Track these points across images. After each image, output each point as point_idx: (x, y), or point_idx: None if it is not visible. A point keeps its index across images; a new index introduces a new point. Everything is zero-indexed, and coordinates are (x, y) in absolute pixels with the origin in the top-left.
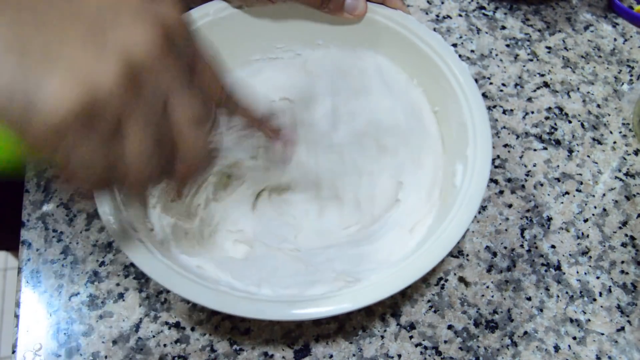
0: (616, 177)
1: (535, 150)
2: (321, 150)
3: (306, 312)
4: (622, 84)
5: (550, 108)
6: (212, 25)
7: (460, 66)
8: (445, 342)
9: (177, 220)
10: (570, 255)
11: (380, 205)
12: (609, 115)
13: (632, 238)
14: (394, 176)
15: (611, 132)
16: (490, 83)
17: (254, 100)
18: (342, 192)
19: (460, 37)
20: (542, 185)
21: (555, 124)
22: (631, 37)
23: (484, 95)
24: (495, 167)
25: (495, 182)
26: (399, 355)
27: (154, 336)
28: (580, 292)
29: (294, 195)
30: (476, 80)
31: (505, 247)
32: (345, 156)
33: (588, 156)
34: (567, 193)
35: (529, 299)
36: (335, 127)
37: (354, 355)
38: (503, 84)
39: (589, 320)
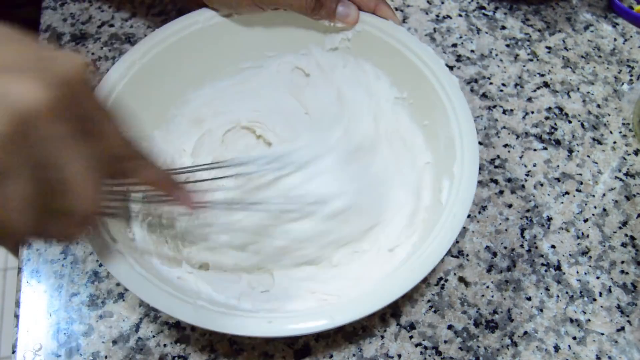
0: (616, 177)
1: (535, 150)
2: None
3: (285, 328)
4: (622, 84)
5: (550, 108)
6: (202, 33)
7: (450, 80)
8: (445, 342)
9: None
10: (570, 255)
11: (360, 226)
12: (609, 115)
13: (632, 238)
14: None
15: (611, 132)
16: (490, 83)
17: (159, 159)
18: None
19: (460, 37)
20: (542, 185)
21: (555, 124)
22: (631, 37)
23: (484, 95)
24: (495, 167)
25: (495, 182)
26: (399, 355)
27: (154, 336)
28: (580, 292)
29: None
30: (476, 80)
31: (505, 247)
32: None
33: (588, 156)
34: (567, 193)
35: (529, 299)
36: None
37: (354, 355)
38: (503, 84)
39: (589, 320)
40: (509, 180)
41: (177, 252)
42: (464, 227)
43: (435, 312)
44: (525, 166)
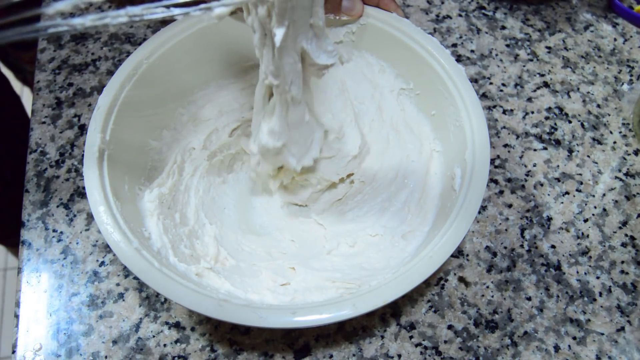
0: (616, 177)
1: (535, 150)
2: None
3: (308, 319)
4: (622, 84)
5: (550, 108)
6: (207, 32)
7: (457, 69)
8: (445, 342)
9: (173, 228)
10: (570, 255)
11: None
12: (609, 115)
13: (632, 238)
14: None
15: (611, 132)
16: (490, 83)
17: None
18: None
19: (460, 37)
20: (542, 185)
21: (555, 124)
22: (631, 37)
23: (484, 95)
24: (495, 167)
25: (495, 182)
26: (399, 355)
27: (154, 336)
28: (580, 292)
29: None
30: (476, 80)
31: (505, 247)
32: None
33: (588, 156)
34: (567, 193)
35: (529, 299)
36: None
37: (354, 355)
38: (503, 84)
39: (589, 320)
40: (509, 180)
41: (193, 249)
42: None
43: (435, 312)
44: (525, 166)
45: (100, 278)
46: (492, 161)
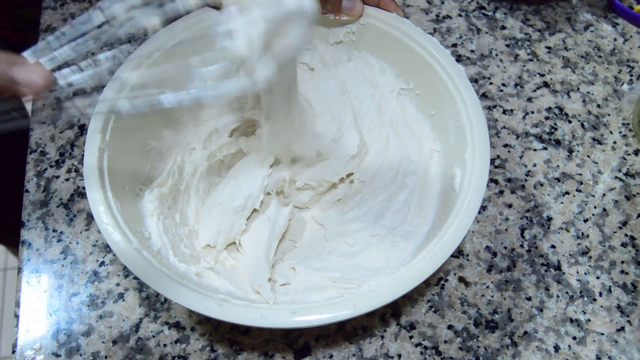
0: (616, 177)
1: (535, 150)
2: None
3: (308, 319)
4: (622, 84)
5: (550, 108)
6: (207, 32)
7: (457, 69)
8: (445, 342)
9: (173, 227)
10: (570, 255)
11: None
12: (609, 115)
13: (632, 238)
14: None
15: (611, 132)
16: (490, 83)
17: None
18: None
19: (460, 37)
20: (542, 185)
21: (555, 124)
22: (631, 37)
23: (484, 95)
24: (495, 167)
25: (495, 182)
26: (399, 355)
27: (154, 336)
28: (580, 292)
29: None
30: (476, 80)
31: (505, 247)
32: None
33: (588, 156)
34: (567, 193)
35: (529, 299)
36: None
37: (354, 355)
38: (503, 84)
39: (589, 320)
40: (509, 180)
41: (193, 249)
42: None
43: (435, 312)
44: (525, 166)
45: (100, 278)
46: (492, 161)
